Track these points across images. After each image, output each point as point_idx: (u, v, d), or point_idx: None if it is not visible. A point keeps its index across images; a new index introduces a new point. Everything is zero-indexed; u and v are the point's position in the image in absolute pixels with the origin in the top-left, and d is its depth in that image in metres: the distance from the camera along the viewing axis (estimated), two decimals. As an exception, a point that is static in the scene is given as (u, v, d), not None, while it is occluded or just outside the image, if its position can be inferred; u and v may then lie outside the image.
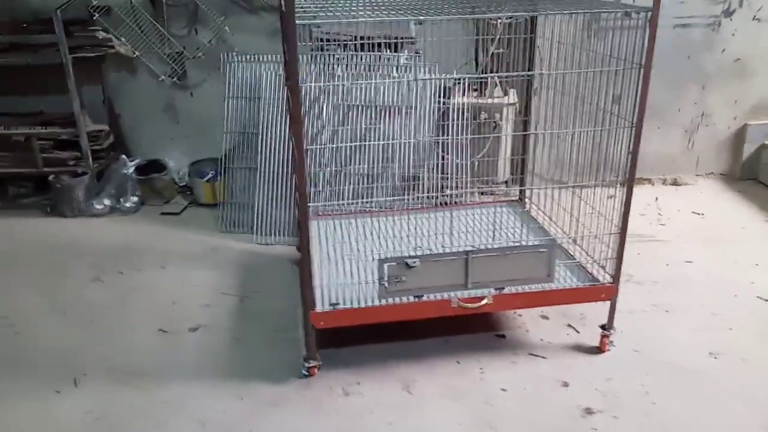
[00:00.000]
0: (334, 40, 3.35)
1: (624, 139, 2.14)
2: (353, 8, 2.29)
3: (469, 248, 2.15)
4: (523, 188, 3.00)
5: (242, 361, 2.38)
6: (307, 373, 2.25)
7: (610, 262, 2.27)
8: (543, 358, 2.36)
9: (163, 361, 2.38)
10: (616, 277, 2.27)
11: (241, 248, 3.27)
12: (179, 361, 2.38)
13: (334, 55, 3.34)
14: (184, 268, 3.07)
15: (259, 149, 3.39)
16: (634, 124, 2.09)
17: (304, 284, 2.11)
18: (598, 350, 2.39)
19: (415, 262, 2.10)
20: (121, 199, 3.71)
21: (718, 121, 3.93)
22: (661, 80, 3.58)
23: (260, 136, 3.39)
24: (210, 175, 3.71)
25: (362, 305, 2.19)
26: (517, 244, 2.31)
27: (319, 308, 2.16)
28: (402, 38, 3.39)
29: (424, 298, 2.19)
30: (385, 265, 2.09)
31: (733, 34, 3.71)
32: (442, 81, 3.36)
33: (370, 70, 3.31)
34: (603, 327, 2.38)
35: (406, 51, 3.45)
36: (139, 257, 3.18)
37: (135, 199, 3.73)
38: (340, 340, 2.36)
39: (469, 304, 2.20)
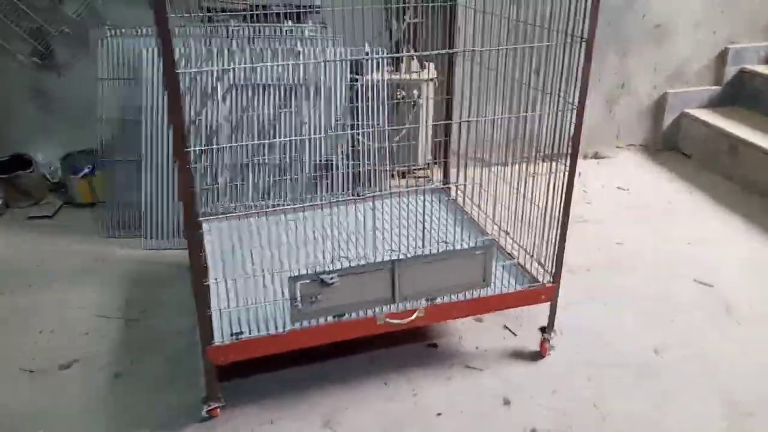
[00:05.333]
0: (226, 10, 2.91)
1: (555, 117, 1.89)
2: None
3: (394, 257, 1.83)
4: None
5: (125, 404, 1.96)
6: (208, 416, 1.88)
7: (549, 258, 2.03)
8: (480, 370, 2.10)
9: (29, 411, 1.93)
10: (556, 276, 2.03)
11: (129, 256, 2.80)
12: (45, 410, 1.94)
13: (227, 27, 2.90)
14: (63, 285, 2.58)
15: (143, 139, 2.91)
16: (575, 106, 1.83)
17: (199, 313, 1.72)
18: (539, 355, 2.16)
19: (332, 278, 1.76)
20: (-21, 203, 3.14)
21: (638, 90, 3.80)
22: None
23: (143, 124, 2.91)
24: (86, 171, 3.18)
25: (272, 332, 1.83)
26: (449, 249, 2.01)
27: (218, 340, 1.79)
28: (306, 7, 2.98)
29: (345, 317, 1.86)
30: (297, 284, 1.74)
31: (653, -1, 3.55)
32: (352, 56, 2.99)
33: (271, 45, 2.89)
34: (542, 330, 2.16)
35: (310, 21, 3.05)
36: (1, 275, 2.65)
37: (-3, 202, 3.17)
38: (245, 367, 1.98)
39: (397, 320, 1.89)
